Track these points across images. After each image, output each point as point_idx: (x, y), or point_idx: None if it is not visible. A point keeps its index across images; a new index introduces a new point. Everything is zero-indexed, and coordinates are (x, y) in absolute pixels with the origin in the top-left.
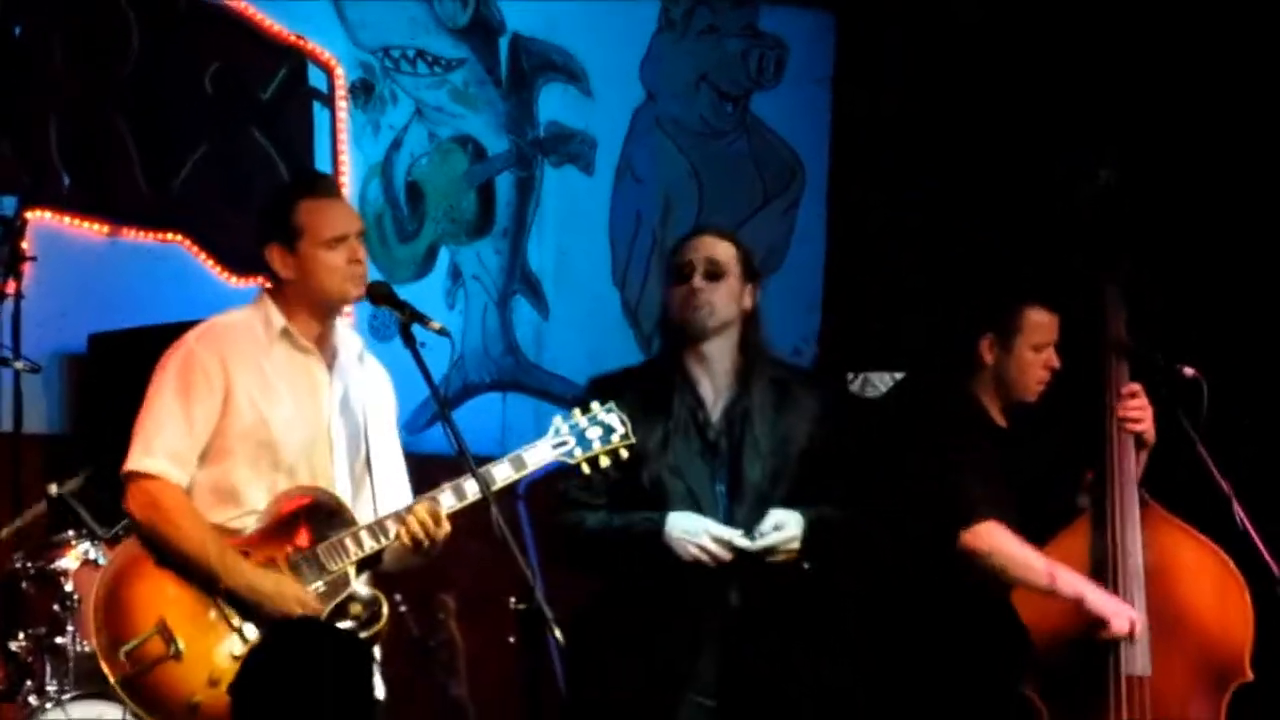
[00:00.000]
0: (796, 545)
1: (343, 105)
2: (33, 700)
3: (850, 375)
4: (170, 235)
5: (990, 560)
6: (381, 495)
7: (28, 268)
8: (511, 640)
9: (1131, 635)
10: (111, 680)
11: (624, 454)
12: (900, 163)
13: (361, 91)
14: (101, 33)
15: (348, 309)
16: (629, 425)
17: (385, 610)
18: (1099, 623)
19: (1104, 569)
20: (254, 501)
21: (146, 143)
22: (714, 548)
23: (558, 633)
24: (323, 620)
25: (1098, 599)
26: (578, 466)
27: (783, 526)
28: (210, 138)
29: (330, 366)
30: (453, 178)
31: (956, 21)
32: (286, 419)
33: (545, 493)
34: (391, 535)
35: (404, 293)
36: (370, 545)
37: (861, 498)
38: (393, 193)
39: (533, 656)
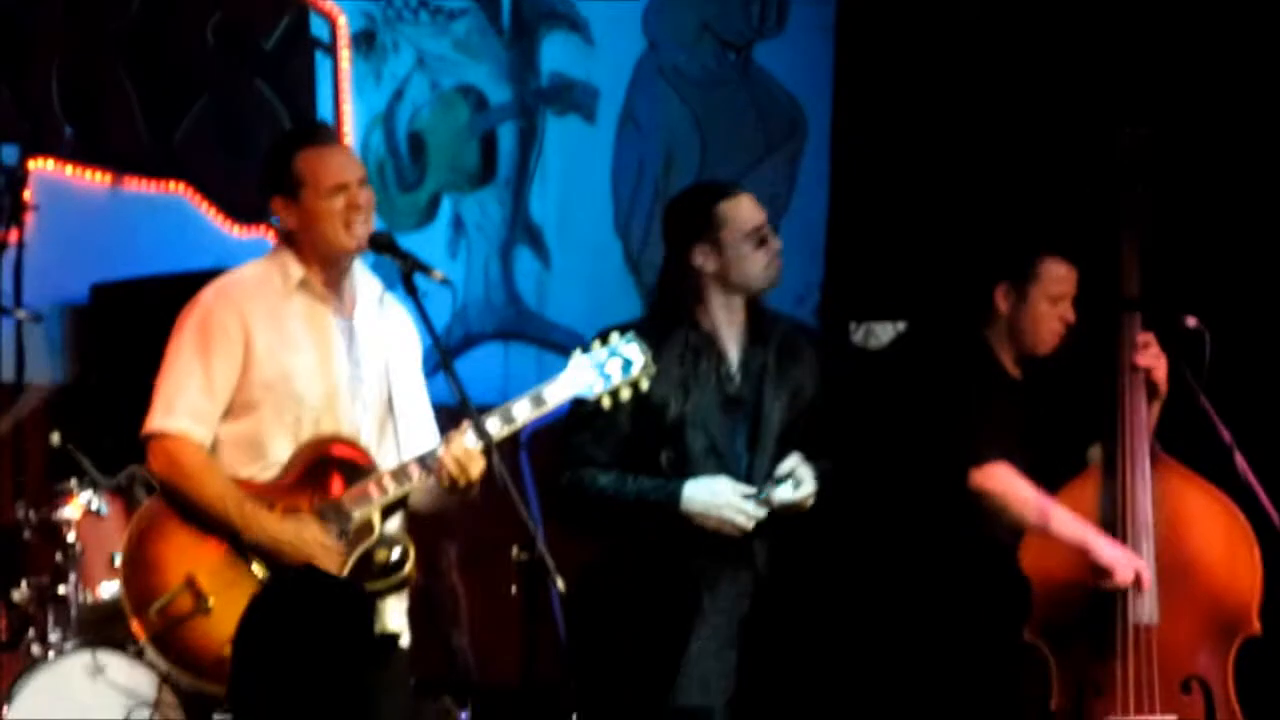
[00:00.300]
0: (811, 500)
1: (345, 55)
2: (35, 650)
3: (853, 325)
4: (172, 185)
5: (999, 501)
6: (406, 439)
7: (29, 217)
8: (513, 590)
9: (1138, 585)
10: (143, 638)
11: (644, 385)
12: (903, 112)
13: (364, 41)
14: None
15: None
16: (649, 355)
17: (412, 557)
18: (1104, 572)
19: (1113, 520)
20: (279, 453)
21: (148, 92)
22: (739, 520)
23: (559, 582)
24: (338, 569)
25: (1103, 548)
26: (598, 402)
27: (801, 482)
28: (212, 88)
29: (350, 313)
30: (455, 128)
31: None
32: (308, 369)
33: (548, 442)
34: (415, 479)
35: (406, 242)
36: (394, 491)
37: (862, 449)
38: (394, 142)
39: (534, 606)
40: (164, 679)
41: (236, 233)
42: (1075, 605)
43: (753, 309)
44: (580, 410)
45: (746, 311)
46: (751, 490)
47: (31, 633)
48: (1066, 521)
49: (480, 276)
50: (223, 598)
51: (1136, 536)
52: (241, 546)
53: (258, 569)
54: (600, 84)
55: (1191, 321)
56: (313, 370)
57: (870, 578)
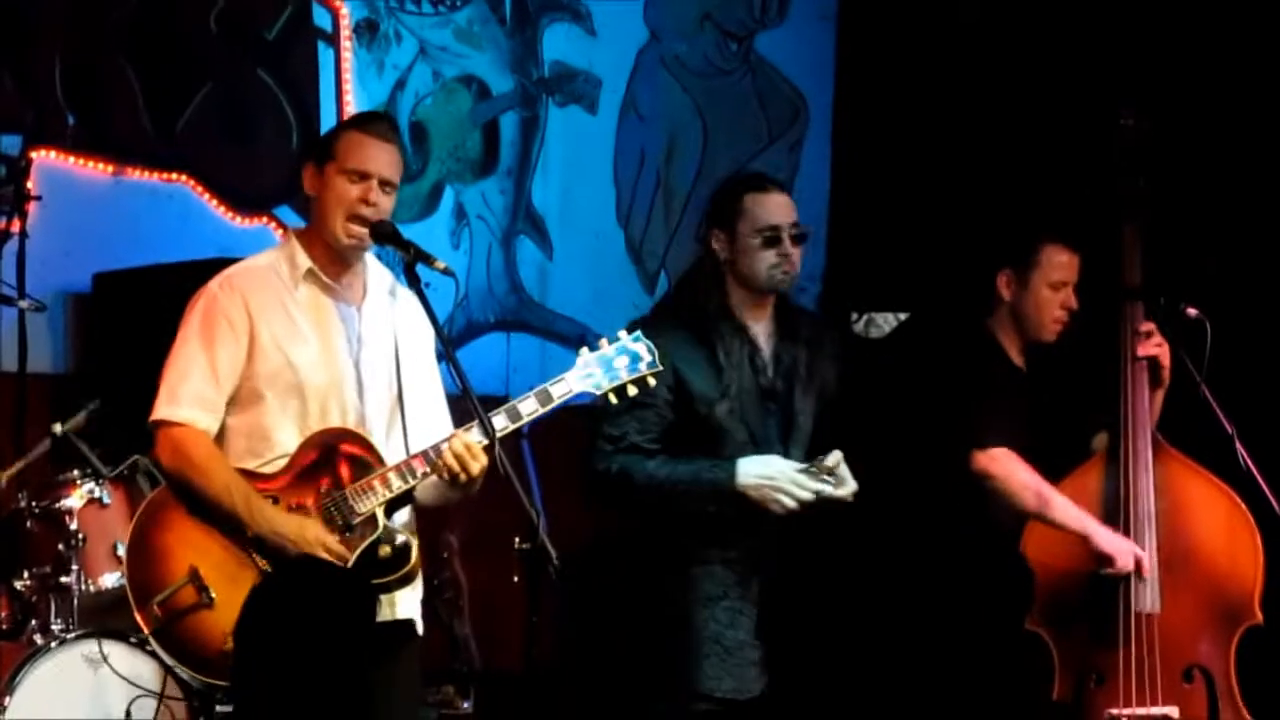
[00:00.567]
0: (852, 498)
1: (347, 45)
2: (38, 639)
3: (854, 315)
4: (175, 175)
5: (1000, 485)
6: (416, 431)
7: (32, 207)
8: (515, 579)
9: (1139, 572)
10: (145, 631)
11: (651, 382)
12: (905, 101)
13: (366, 31)
14: None
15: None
16: (656, 353)
17: (415, 551)
18: (1105, 560)
19: (1116, 508)
20: (286, 444)
21: (151, 82)
22: (796, 492)
23: (555, 561)
24: (342, 565)
25: (1102, 536)
26: (605, 397)
27: (844, 481)
28: (215, 77)
29: (359, 304)
30: (457, 117)
31: None
32: (313, 360)
33: (549, 432)
34: (419, 475)
35: (408, 232)
36: (398, 486)
37: (865, 437)
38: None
39: (536, 595)
40: (167, 670)
41: (239, 222)
42: (1077, 594)
43: (781, 304)
44: (620, 400)
45: (774, 304)
46: (804, 466)
47: (34, 622)
48: (1066, 509)
49: (483, 266)
50: (226, 592)
51: (1139, 525)
52: (246, 540)
53: (261, 563)
54: (602, 74)
55: (1192, 311)
56: (317, 361)
57: (874, 566)
